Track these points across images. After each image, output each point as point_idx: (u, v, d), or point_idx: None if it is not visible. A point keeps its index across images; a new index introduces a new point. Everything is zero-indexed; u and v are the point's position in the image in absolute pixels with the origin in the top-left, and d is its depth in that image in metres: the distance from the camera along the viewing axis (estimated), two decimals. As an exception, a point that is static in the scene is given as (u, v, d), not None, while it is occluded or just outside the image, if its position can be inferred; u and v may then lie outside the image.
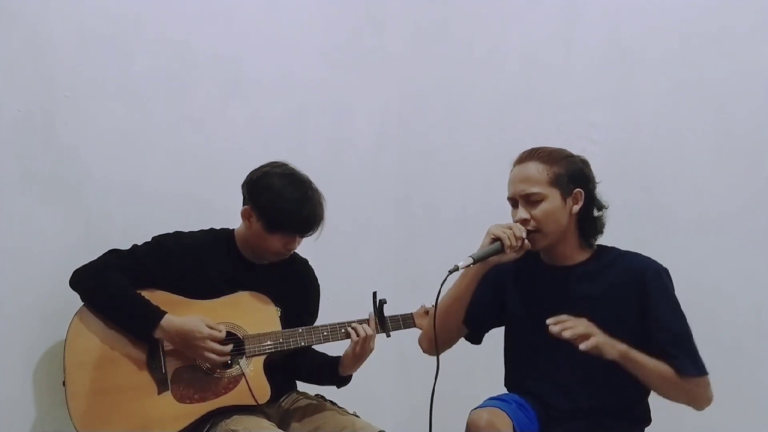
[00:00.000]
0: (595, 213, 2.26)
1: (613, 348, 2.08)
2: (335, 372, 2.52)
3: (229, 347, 2.37)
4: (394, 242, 3.64)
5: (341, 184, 3.17)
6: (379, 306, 2.49)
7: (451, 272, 2.14)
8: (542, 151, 2.23)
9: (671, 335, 2.16)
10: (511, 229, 2.19)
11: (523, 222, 2.20)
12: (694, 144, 2.88)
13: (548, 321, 2.06)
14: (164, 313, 2.33)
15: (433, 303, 2.55)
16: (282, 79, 3.19)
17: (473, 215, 3.37)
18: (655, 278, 2.18)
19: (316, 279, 2.67)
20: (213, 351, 2.33)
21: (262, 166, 2.50)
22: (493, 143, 3.38)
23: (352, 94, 3.45)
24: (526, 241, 2.20)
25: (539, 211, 2.18)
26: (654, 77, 2.98)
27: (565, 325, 2.06)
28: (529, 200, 2.19)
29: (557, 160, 2.21)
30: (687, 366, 2.15)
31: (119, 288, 2.35)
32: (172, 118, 2.85)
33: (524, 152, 2.25)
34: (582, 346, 2.04)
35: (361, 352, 2.44)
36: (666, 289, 2.19)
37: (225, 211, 2.67)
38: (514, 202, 2.24)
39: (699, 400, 2.20)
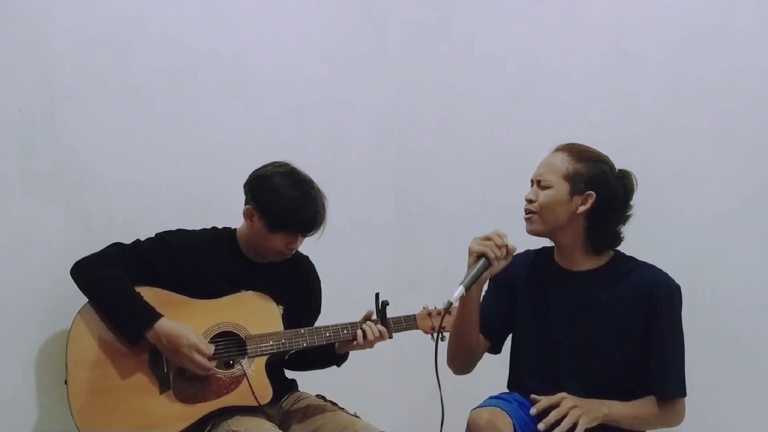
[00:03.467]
0: (614, 228, 2.25)
1: (596, 418, 2.11)
2: (332, 352, 2.53)
3: (213, 364, 2.35)
4: (393, 242, 3.64)
5: (341, 183, 3.17)
6: (381, 307, 2.49)
7: (446, 309, 2.16)
8: (576, 147, 2.27)
9: (667, 354, 2.18)
10: (490, 240, 2.20)
11: (528, 201, 2.24)
12: (694, 144, 2.88)
13: (539, 427, 2.07)
14: (160, 315, 2.32)
15: (434, 305, 2.58)
16: (282, 79, 3.19)
17: (473, 215, 3.37)
18: (665, 294, 2.19)
19: (317, 275, 2.67)
20: (196, 362, 2.31)
21: (264, 166, 2.50)
22: (492, 143, 3.38)
23: (352, 93, 3.46)
24: (509, 245, 2.21)
25: (543, 195, 2.22)
26: (654, 77, 2.97)
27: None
28: (540, 185, 2.23)
29: (584, 159, 2.23)
30: (674, 388, 2.18)
31: (119, 284, 2.34)
32: (172, 117, 2.85)
33: (565, 143, 2.29)
34: None
35: (361, 348, 2.46)
36: (673, 307, 2.20)
37: (225, 210, 2.67)
38: (532, 183, 2.28)
39: (674, 421, 2.23)
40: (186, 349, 2.30)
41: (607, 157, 2.28)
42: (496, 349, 2.42)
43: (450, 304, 2.13)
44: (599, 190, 2.21)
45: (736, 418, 2.75)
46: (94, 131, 2.63)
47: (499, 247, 2.19)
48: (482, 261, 2.18)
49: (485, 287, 2.34)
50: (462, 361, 2.36)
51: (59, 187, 2.55)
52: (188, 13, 2.89)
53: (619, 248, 2.30)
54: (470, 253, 2.20)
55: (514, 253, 2.27)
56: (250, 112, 3.09)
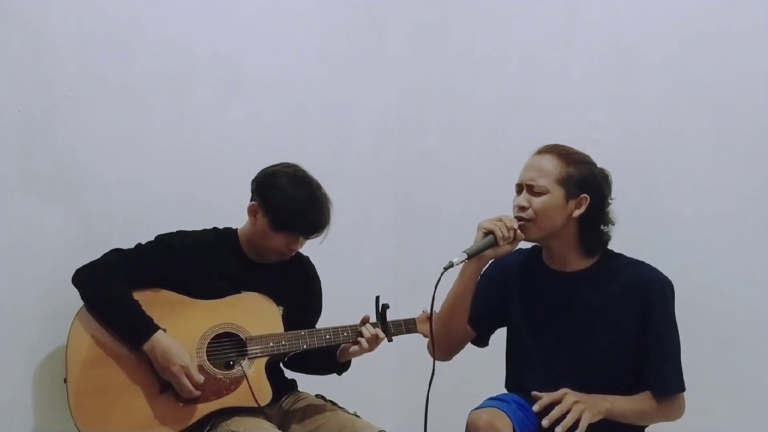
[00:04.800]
0: (602, 228, 2.24)
1: (599, 413, 2.11)
2: (333, 359, 2.52)
3: (198, 393, 2.32)
4: (393, 242, 3.64)
5: (341, 183, 3.16)
6: (381, 310, 2.49)
7: (446, 269, 2.14)
8: (563, 149, 2.24)
9: (663, 351, 2.18)
10: (501, 221, 2.20)
11: (521, 208, 2.21)
12: (694, 144, 2.88)
13: (543, 423, 2.07)
14: (158, 328, 2.32)
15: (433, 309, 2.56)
16: (282, 79, 3.19)
17: (473, 215, 3.32)
18: (659, 292, 2.19)
19: (317, 276, 2.67)
20: (183, 385, 2.30)
21: (273, 165, 2.51)
22: (492, 143, 3.39)
23: (352, 93, 3.46)
24: (518, 231, 2.21)
25: (538, 202, 2.18)
26: (654, 77, 2.98)
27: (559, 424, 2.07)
28: (533, 190, 2.19)
29: (574, 161, 2.21)
30: (672, 384, 2.19)
31: (119, 293, 2.34)
32: (172, 117, 2.85)
33: (548, 145, 2.25)
34: None
35: (361, 353, 2.45)
36: (667, 303, 2.20)
37: (225, 210, 2.67)
38: (519, 188, 2.24)
39: (675, 415, 2.23)
40: (176, 369, 2.29)
41: (590, 156, 2.27)
42: (482, 341, 2.41)
43: (451, 264, 2.14)
44: (592, 192, 2.20)
45: (735, 418, 2.75)
46: (94, 131, 2.63)
47: (508, 228, 2.19)
48: (489, 237, 2.20)
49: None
50: (445, 346, 2.32)
51: (59, 187, 2.55)
52: (188, 13, 2.89)
53: (614, 244, 2.29)
54: (479, 228, 2.22)
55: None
56: (250, 112, 3.08)
